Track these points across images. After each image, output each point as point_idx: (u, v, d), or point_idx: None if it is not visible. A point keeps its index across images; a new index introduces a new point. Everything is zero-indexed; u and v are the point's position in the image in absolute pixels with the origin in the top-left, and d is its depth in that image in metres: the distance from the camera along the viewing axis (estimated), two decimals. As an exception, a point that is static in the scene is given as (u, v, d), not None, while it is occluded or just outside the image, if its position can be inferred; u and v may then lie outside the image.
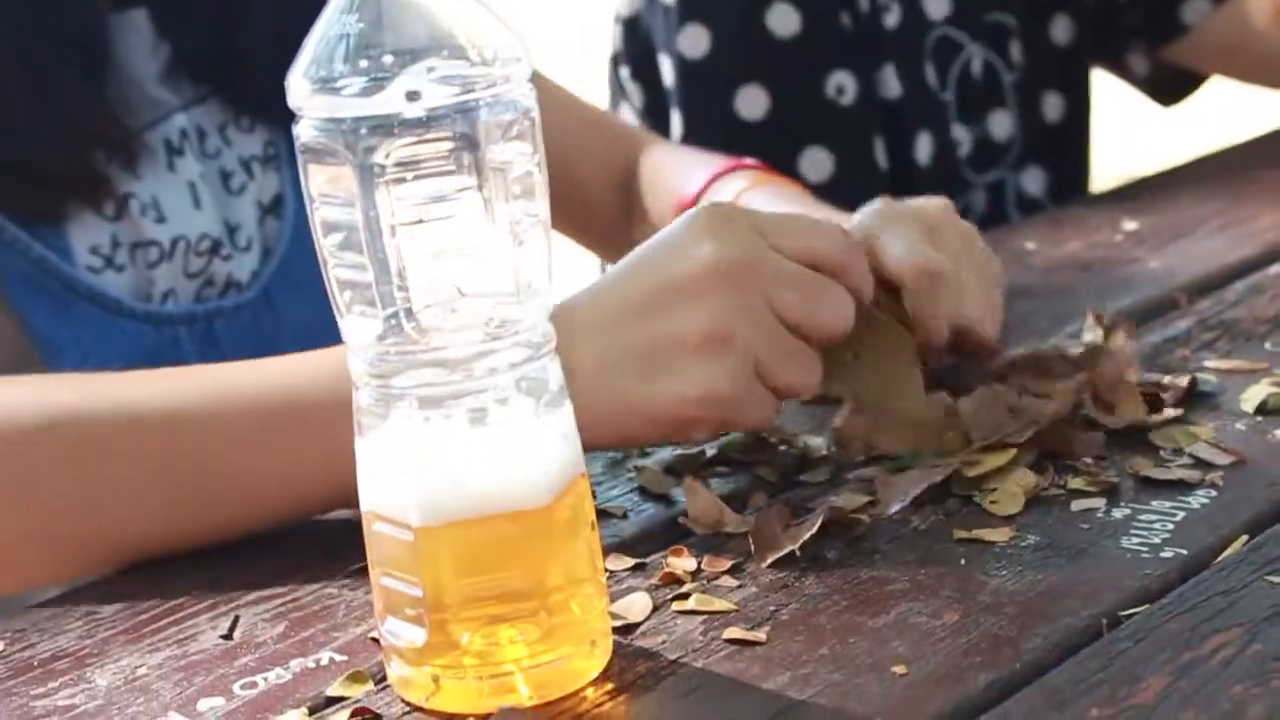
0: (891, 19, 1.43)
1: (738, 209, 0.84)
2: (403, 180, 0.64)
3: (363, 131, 0.63)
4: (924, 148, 1.43)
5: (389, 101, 0.62)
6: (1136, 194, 1.38)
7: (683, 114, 1.43)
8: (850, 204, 1.01)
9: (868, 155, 1.41)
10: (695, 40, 1.41)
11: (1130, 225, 1.27)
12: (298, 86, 0.64)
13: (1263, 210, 1.26)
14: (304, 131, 0.64)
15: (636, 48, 1.49)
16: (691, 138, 1.43)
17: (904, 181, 1.40)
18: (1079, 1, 1.52)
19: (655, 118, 1.50)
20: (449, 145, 0.63)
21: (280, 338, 0.98)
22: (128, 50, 1.00)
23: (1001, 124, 1.49)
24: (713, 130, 1.42)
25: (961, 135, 1.46)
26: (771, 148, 1.29)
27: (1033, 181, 1.51)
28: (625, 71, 1.51)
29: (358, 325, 0.66)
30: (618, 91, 1.54)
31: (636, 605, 0.74)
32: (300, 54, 0.64)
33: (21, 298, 0.95)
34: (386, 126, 0.63)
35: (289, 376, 0.82)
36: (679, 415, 0.81)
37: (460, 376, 0.65)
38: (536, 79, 0.66)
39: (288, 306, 1.03)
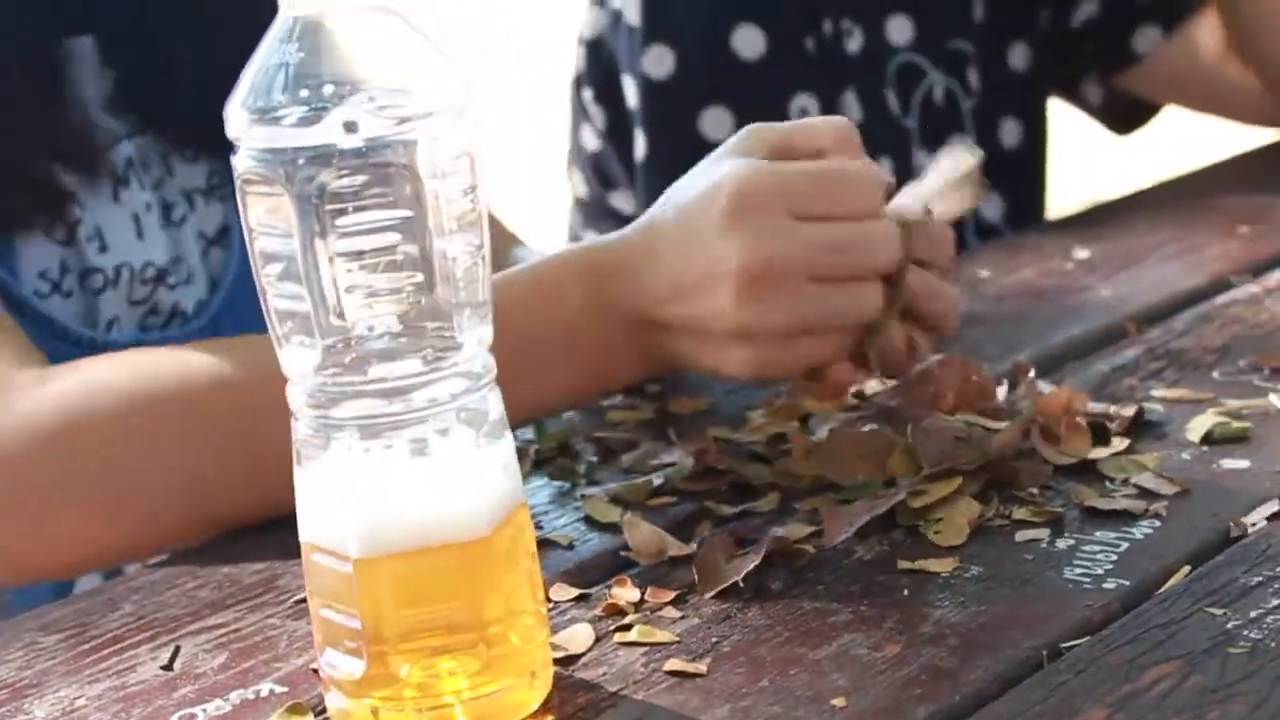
0: (854, 44, 1.43)
1: (764, 179, 0.87)
2: (342, 211, 0.63)
3: (300, 162, 0.63)
4: (884, 169, 1.43)
5: (327, 132, 0.62)
6: (1089, 221, 1.39)
7: (646, 135, 1.43)
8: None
9: None
10: (660, 61, 1.42)
11: (1082, 253, 1.27)
12: (235, 117, 0.64)
13: (1213, 239, 1.27)
14: (242, 162, 0.64)
15: (600, 69, 1.49)
16: (656, 158, 1.43)
17: None
18: (1037, 29, 1.53)
19: (617, 140, 1.50)
20: (388, 176, 0.63)
21: None
22: (78, 75, 1.00)
23: None
24: (677, 151, 1.42)
25: (923, 162, 1.47)
26: None
27: (990, 209, 1.52)
28: (588, 94, 1.52)
29: (296, 355, 0.66)
30: (579, 113, 1.54)
31: (579, 636, 0.74)
32: (239, 84, 0.64)
33: None
34: (324, 157, 0.62)
35: None
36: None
37: (400, 407, 0.65)
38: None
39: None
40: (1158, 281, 1.18)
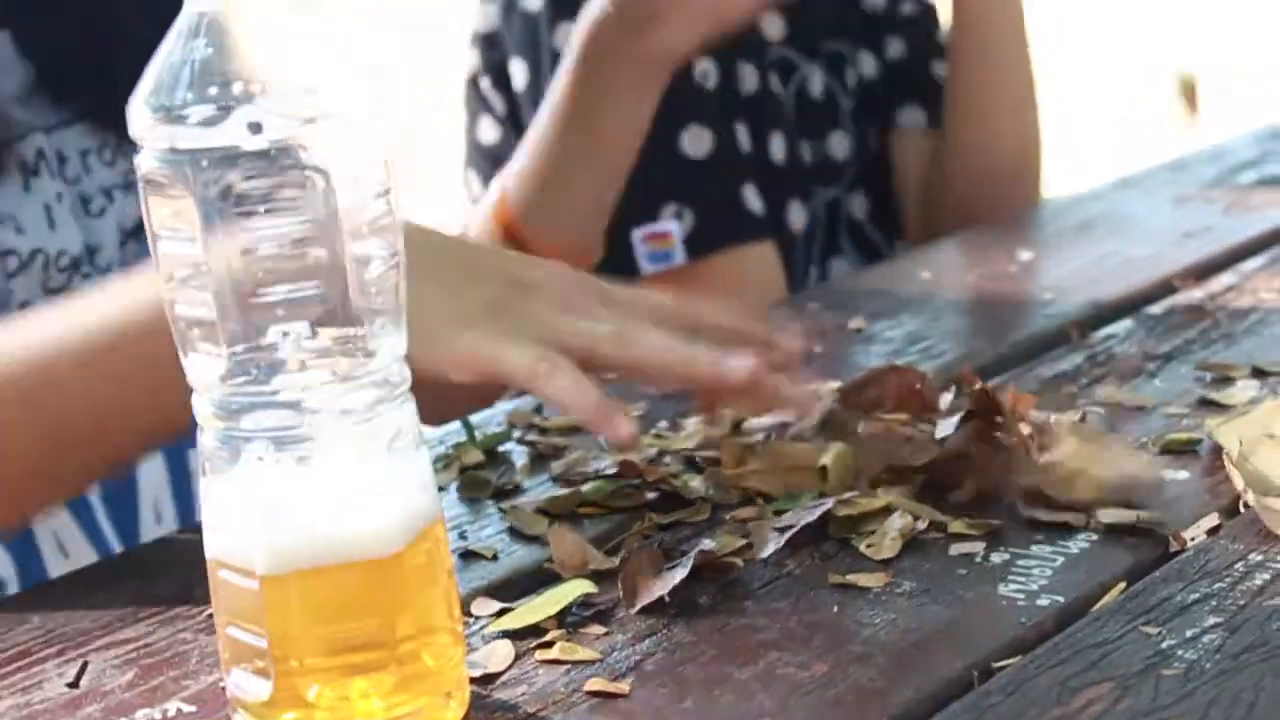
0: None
1: None
2: (249, 214, 0.61)
3: (204, 164, 0.60)
4: (777, 147, 1.43)
5: (231, 132, 0.60)
6: (1032, 224, 1.37)
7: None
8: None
9: (731, 139, 1.39)
10: (567, 35, 1.41)
11: (1025, 256, 1.26)
12: (139, 115, 0.61)
13: (1155, 245, 1.26)
14: (145, 162, 0.62)
15: (496, 58, 1.49)
16: None
17: (765, 170, 1.41)
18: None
19: (516, 123, 1.49)
20: (296, 179, 0.61)
21: None
22: None
23: (840, 145, 1.50)
24: None
25: (805, 148, 1.47)
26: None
27: (858, 206, 1.52)
28: (486, 82, 1.51)
29: (202, 365, 0.63)
30: (477, 108, 1.53)
31: (498, 653, 0.71)
32: (142, 80, 0.62)
33: None
34: (229, 159, 0.60)
35: (105, 306, 0.83)
36: None
37: (310, 419, 0.63)
38: None
39: None
40: (1101, 286, 1.17)
